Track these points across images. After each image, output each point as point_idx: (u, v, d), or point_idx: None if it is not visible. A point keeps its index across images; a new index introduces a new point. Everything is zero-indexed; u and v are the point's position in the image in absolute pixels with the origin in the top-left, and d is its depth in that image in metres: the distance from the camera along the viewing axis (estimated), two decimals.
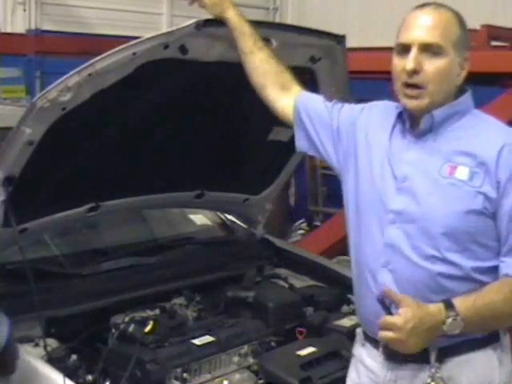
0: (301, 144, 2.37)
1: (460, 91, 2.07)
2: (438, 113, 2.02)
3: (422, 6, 2.05)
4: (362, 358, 2.17)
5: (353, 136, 2.22)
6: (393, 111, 2.14)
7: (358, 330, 2.22)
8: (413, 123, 2.07)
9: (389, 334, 1.88)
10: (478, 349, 2.02)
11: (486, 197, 1.93)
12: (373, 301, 2.01)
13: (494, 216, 1.95)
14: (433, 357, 1.99)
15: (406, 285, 1.99)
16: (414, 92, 2.00)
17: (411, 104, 2.03)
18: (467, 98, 2.08)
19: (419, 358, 1.98)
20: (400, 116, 2.11)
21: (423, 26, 1.99)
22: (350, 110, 2.29)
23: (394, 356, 2.02)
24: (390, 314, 1.92)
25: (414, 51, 1.98)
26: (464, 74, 2.05)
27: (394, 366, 2.05)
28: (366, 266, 2.10)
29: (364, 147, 2.17)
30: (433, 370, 1.99)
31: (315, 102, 2.35)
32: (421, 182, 2.01)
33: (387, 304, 1.95)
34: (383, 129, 2.14)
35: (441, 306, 1.89)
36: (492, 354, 2.03)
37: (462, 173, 1.96)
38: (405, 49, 2.01)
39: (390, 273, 2.03)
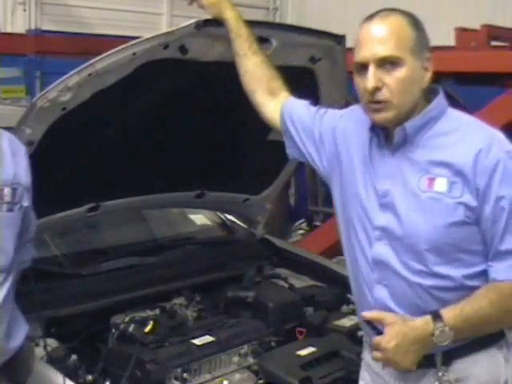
0: (290, 151, 2.37)
1: (431, 92, 2.01)
2: (410, 124, 1.96)
3: (372, 16, 1.98)
4: (370, 363, 2.16)
5: (334, 142, 2.19)
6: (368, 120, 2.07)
7: (366, 338, 2.20)
8: (387, 137, 2.03)
9: (377, 355, 1.90)
10: (483, 349, 2.01)
11: (467, 206, 1.89)
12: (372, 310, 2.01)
13: (477, 222, 1.91)
14: (438, 361, 1.98)
15: (402, 299, 1.98)
16: (380, 105, 1.94)
17: (379, 117, 1.97)
18: (440, 101, 2.00)
19: (425, 363, 1.96)
20: (373, 129, 2.05)
21: (375, 40, 1.93)
22: (332, 115, 2.26)
23: None
24: (380, 333, 1.91)
25: (371, 69, 1.92)
26: (429, 75, 1.97)
27: (401, 373, 2.03)
28: (362, 278, 2.08)
29: (345, 154, 2.14)
30: (440, 374, 1.98)
31: (300, 109, 2.32)
32: (401, 197, 1.97)
33: (375, 324, 1.95)
34: (361, 138, 2.10)
35: (428, 318, 1.88)
36: (497, 352, 2.03)
37: (441, 185, 1.91)
38: (363, 67, 1.95)
39: (385, 288, 2.01)
